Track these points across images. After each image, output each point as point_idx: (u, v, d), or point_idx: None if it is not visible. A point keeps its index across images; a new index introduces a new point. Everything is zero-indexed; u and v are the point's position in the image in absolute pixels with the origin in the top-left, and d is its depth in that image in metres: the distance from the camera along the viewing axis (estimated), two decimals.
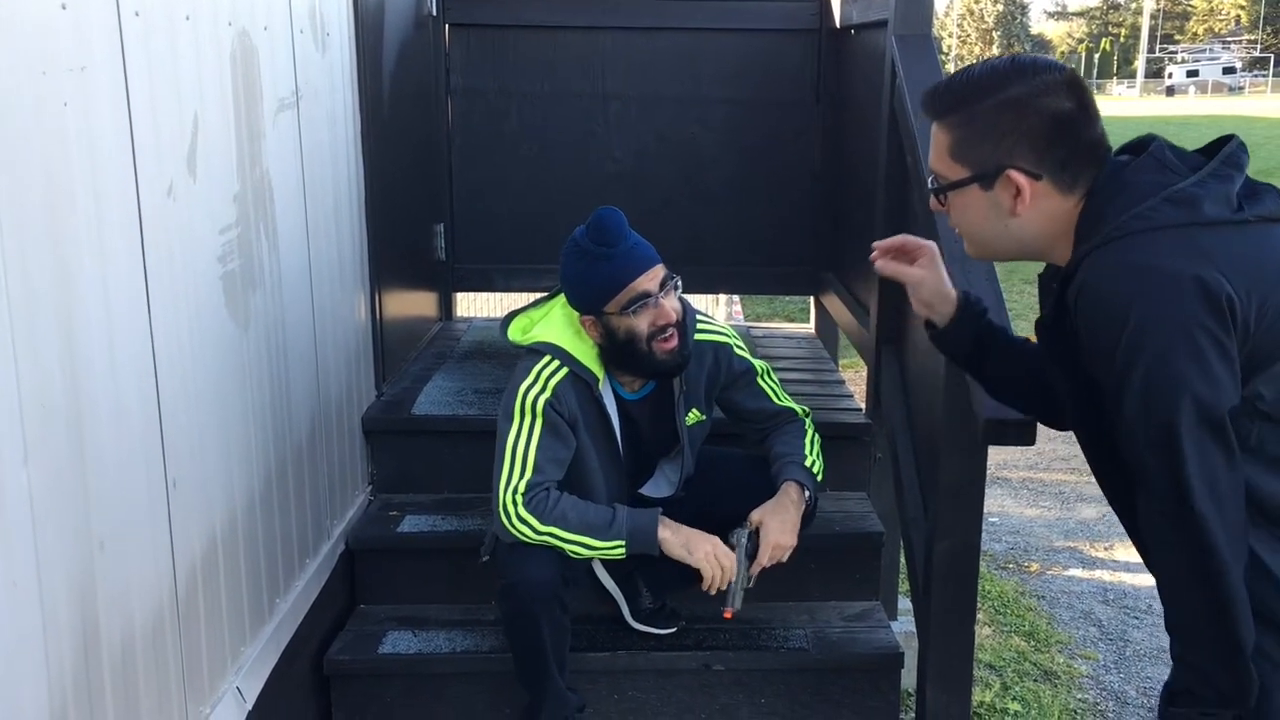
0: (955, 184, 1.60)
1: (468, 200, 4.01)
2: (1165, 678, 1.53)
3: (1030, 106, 1.52)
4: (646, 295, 2.30)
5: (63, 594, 1.57)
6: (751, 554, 2.39)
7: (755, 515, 2.41)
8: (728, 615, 2.38)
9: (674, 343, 2.35)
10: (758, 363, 2.57)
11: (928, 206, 1.71)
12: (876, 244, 1.98)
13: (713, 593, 2.38)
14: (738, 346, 2.55)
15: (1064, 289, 1.51)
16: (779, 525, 2.39)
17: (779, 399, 2.57)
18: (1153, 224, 1.43)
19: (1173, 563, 1.45)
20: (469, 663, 2.68)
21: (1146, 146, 1.54)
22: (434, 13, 3.80)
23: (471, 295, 6.09)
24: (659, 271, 2.33)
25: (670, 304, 2.34)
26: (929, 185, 1.65)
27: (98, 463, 1.65)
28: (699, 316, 2.51)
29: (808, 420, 2.58)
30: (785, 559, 2.41)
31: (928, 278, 1.91)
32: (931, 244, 1.94)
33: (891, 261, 1.95)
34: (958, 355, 1.98)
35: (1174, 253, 1.40)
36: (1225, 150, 1.51)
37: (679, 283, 2.38)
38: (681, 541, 2.35)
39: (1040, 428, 2.03)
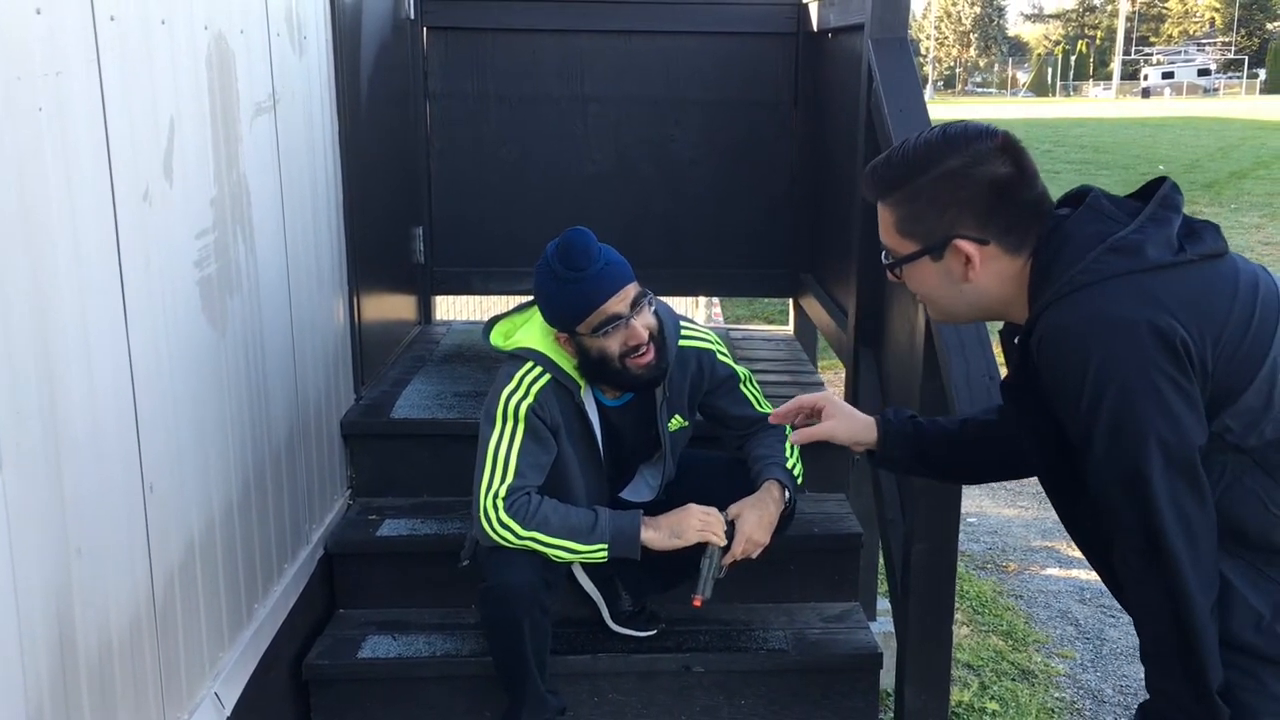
0: (906, 258, 1.63)
1: (446, 203, 4.01)
2: (1141, 676, 1.55)
3: (968, 177, 1.54)
4: (617, 318, 2.29)
5: (39, 600, 1.56)
6: (726, 545, 2.39)
7: (734, 508, 2.42)
8: (697, 603, 2.37)
9: (648, 358, 2.34)
10: (740, 369, 2.58)
11: None
12: (772, 417, 2.16)
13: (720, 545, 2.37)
14: (721, 353, 2.55)
15: (1025, 347, 1.54)
16: (756, 520, 2.39)
17: (760, 406, 2.58)
18: (1100, 275, 1.45)
19: (1146, 597, 1.49)
20: (449, 666, 2.68)
21: (1084, 198, 1.56)
22: (412, 16, 3.79)
23: (450, 298, 6.07)
24: (630, 291, 2.31)
25: (643, 322, 2.32)
26: (883, 259, 1.68)
27: (74, 468, 1.64)
28: (682, 322, 2.51)
29: (787, 427, 2.58)
30: (756, 555, 2.41)
31: (837, 425, 2.03)
32: (826, 393, 2.10)
33: (803, 430, 2.07)
34: (905, 468, 2.06)
35: (1125, 301, 1.43)
36: (1160, 193, 1.53)
37: (653, 299, 2.37)
38: (667, 534, 2.35)
39: None
